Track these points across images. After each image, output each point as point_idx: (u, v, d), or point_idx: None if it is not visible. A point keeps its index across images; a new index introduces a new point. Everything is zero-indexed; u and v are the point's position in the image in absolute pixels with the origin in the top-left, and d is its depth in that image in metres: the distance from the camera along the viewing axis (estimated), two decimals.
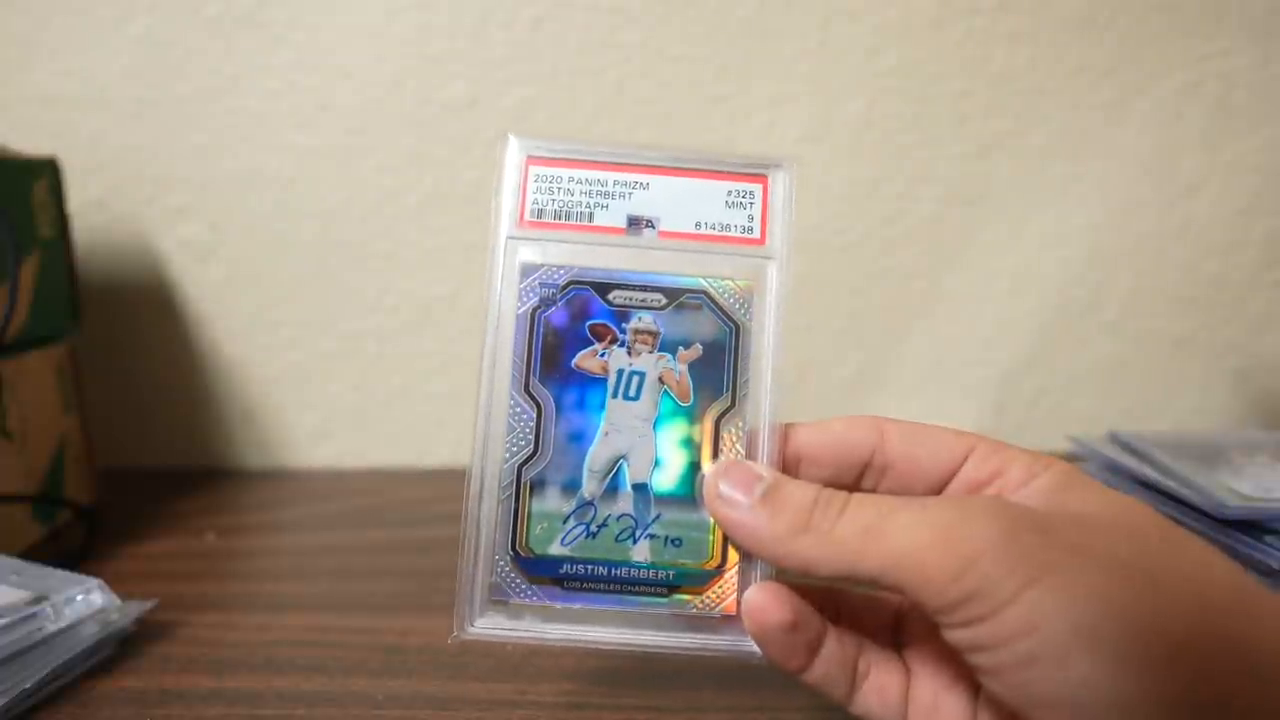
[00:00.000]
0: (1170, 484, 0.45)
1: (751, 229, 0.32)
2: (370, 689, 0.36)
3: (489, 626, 0.29)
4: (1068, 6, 0.63)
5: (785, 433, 0.30)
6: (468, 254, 0.65)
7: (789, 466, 0.29)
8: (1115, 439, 0.52)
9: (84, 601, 0.38)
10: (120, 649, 0.39)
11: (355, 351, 0.67)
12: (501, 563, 0.29)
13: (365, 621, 0.42)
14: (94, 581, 0.38)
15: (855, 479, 0.29)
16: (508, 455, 0.30)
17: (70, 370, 0.53)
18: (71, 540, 0.51)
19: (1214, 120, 0.65)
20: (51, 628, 0.36)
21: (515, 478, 0.29)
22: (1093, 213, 0.66)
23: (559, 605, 0.29)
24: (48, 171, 0.52)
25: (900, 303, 0.67)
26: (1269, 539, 0.41)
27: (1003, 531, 0.24)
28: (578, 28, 0.62)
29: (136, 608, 0.40)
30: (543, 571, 0.29)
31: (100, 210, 0.63)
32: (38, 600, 0.36)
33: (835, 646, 0.28)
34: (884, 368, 0.68)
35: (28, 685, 0.34)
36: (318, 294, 0.66)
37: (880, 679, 0.29)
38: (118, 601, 0.39)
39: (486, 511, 0.29)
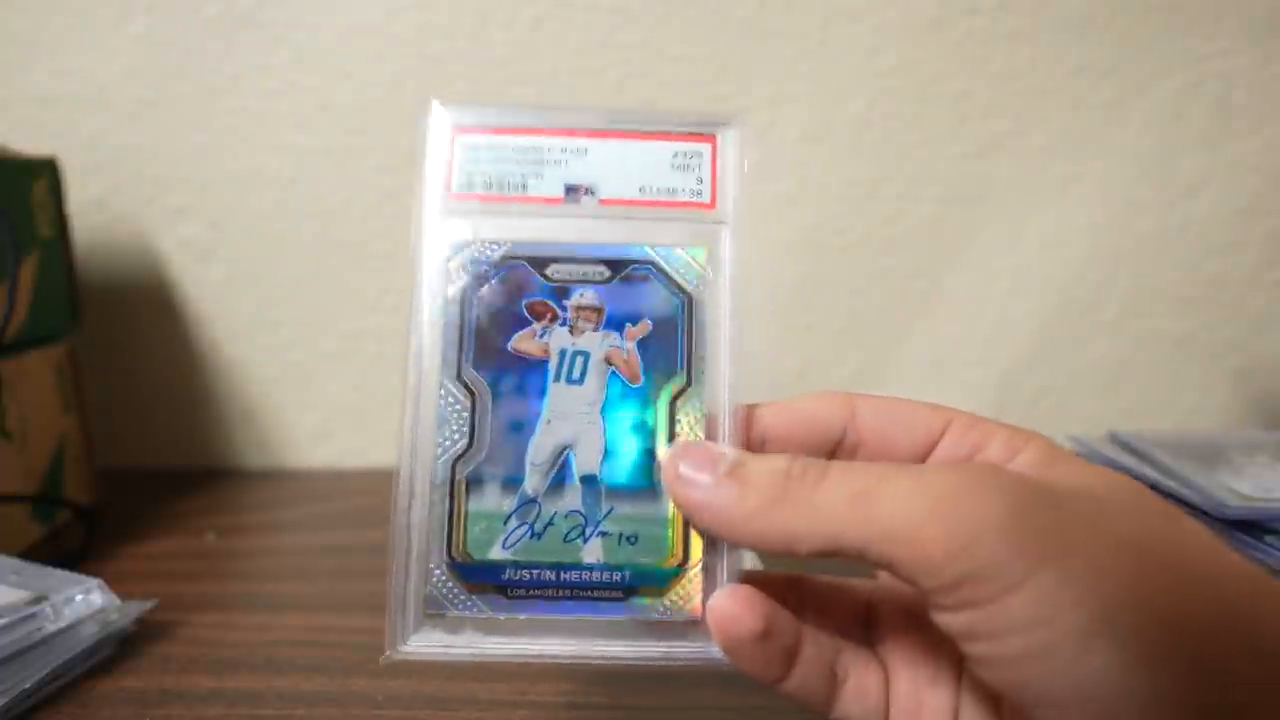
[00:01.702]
0: (1170, 484, 0.45)
1: (701, 192, 0.29)
2: (370, 689, 0.36)
3: (424, 644, 0.26)
4: (1068, 6, 0.63)
5: (749, 414, 0.27)
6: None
7: (754, 449, 0.27)
8: (1115, 439, 0.52)
9: (84, 601, 0.38)
10: (120, 649, 0.39)
11: (355, 351, 0.67)
12: (436, 571, 0.26)
13: (365, 621, 0.42)
14: (94, 581, 0.38)
15: (826, 458, 0.26)
16: (440, 450, 0.26)
17: (70, 370, 0.53)
18: (71, 540, 0.51)
19: (1214, 120, 0.65)
20: (51, 628, 0.36)
21: (449, 475, 0.26)
22: (1093, 213, 0.66)
23: (502, 616, 0.26)
24: (47, 171, 0.52)
25: (900, 303, 0.67)
26: (1269, 539, 0.41)
27: (1011, 504, 0.21)
28: (578, 28, 0.62)
29: (136, 608, 0.39)
30: (483, 579, 0.26)
31: (100, 210, 0.63)
32: (37, 600, 0.36)
33: (812, 651, 0.26)
34: (884, 368, 0.68)
35: (27, 685, 0.34)
36: (318, 294, 0.66)
37: (859, 682, 0.26)
38: (117, 601, 0.39)
39: (417, 515, 0.26)
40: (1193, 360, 0.68)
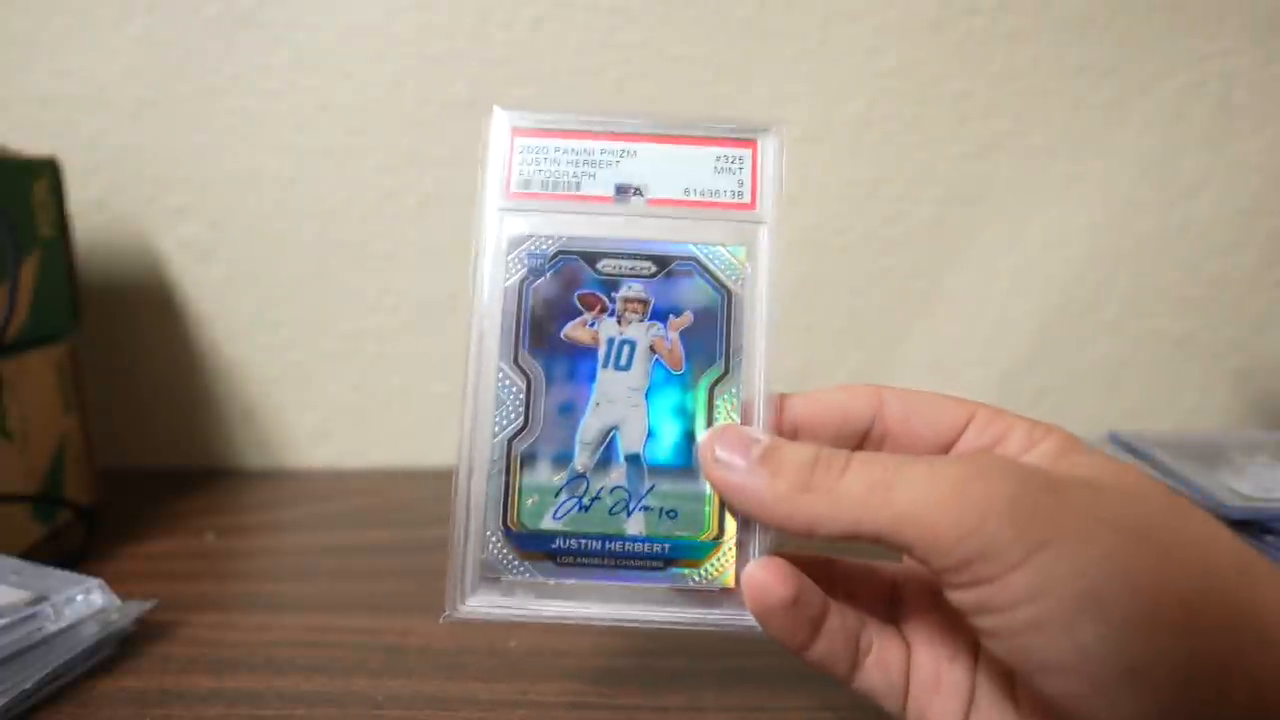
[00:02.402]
0: (1171, 484, 0.45)
1: (741, 194, 0.31)
2: (370, 689, 0.36)
3: (481, 605, 0.28)
4: (1068, 6, 0.63)
5: (781, 403, 0.29)
6: (468, 254, 0.65)
7: (785, 436, 0.28)
8: (1115, 439, 0.52)
9: (84, 601, 0.38)
10: (120, 649, 0.39)
11: (355, 351, 0.67)
12: (493, 539, 0.29)
13: (365, 621, 0.42)
14: (94, 581, 0.38)
15: (854, 449, 0.28)
16: (497, 429, 0.29)
17: (70, 370, 0.53)
18: (71, 540, 0.51)
19: (1215, 120, 0.64)
20: (51, 628, 0.36)
21: (505, 452, 0.29)
22: (1093, 213, 0.66)
23: (552, 581, 0.28)
24: (48, 171, 0.52)
25: (900, 303, 0.67)
26: (1269, 539, 0.41)
27: (1014, 491, 0.23)
28: (578, 28, 0.62)
29: (136, 608, 0.39)
30: (535, 547, 0.29)
31: (100, 210, 0.63)
32: (38, 600, 0.36)
33: (838, 622, 0.28)
34: (884, 368, 0.68)
35: (27, 685, 0.34)
36: (318, 294, 0.66)
37: (882, 654, 0.28)
38: (118, 601, 0.39)
39: (476, 487, 0.29)
40: (1193, 360, 0.68)
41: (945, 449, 0.28)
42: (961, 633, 0.28)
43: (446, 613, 0.28)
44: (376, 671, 0.38)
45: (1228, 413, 0.69)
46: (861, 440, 0.29)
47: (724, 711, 0.35)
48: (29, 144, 0.51)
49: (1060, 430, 0.27)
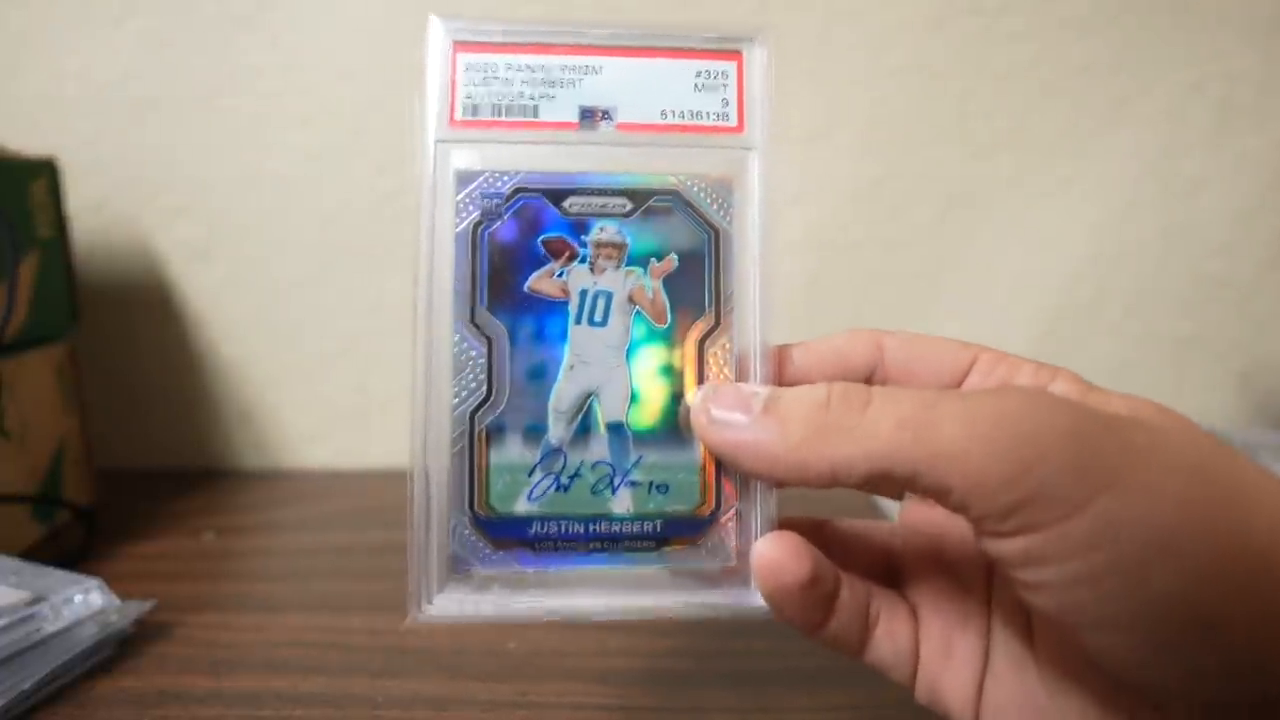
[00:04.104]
0: None
1: (727, 115, 0.26)
2: (370, 690, 0.36)
3: (451, 603, 0.25)
4: (1070, 6, 0.63)
5: (780, 355, 0.26)
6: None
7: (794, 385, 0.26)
8: None
9: (83, 602, 0.38)
10: (119, 649, 0.39)
11: (354, 351, 0.66)
12: (459, 527, 0.25)
13: (364, 622, 0.42)
14: (93, 582, 0.38)
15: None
16: (457, 401, 0.25)
17: (69, 370, 0.53)
18: (70, 541, 0.50)
19: (1217, 120, 0.64)
20: (50, 628, 0.36)
21: (468, 426, 0.25)
22: (1095, 213, 0.66)
23: (531, 571, 0.25)
24: (46, 171, 0.51)
25: (902, 303, 0.67)
26: None
27: (1069, 428, 0.20)
28: None
29: (135, 608, 0.39)
30: (508, 533, 0.25)
31: (99, 210, 0.63)
32: (36, 601, 0.36)
33: (847, 595, 0.25)
34: None
35: (26, 686, 0.34)
36: (316, 294, 0.65)
37: (890, 624, 0.26)
38: (116, 602, 0.39)
39: (436, 469, 0.25)
40: (1195, 361, 0.68)
41: None
42: (972, 594, 0.26)
43: (411, 616, 0.25)
44: (376, 672, 0.38)
45: (1230, 414, 0.69)
46: None
47: (725, 712, 0.35)
48: (28, 144, 0.51)
49: (1066, 370, 0.25)
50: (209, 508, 0.59)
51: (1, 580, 0.38)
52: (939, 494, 0.21)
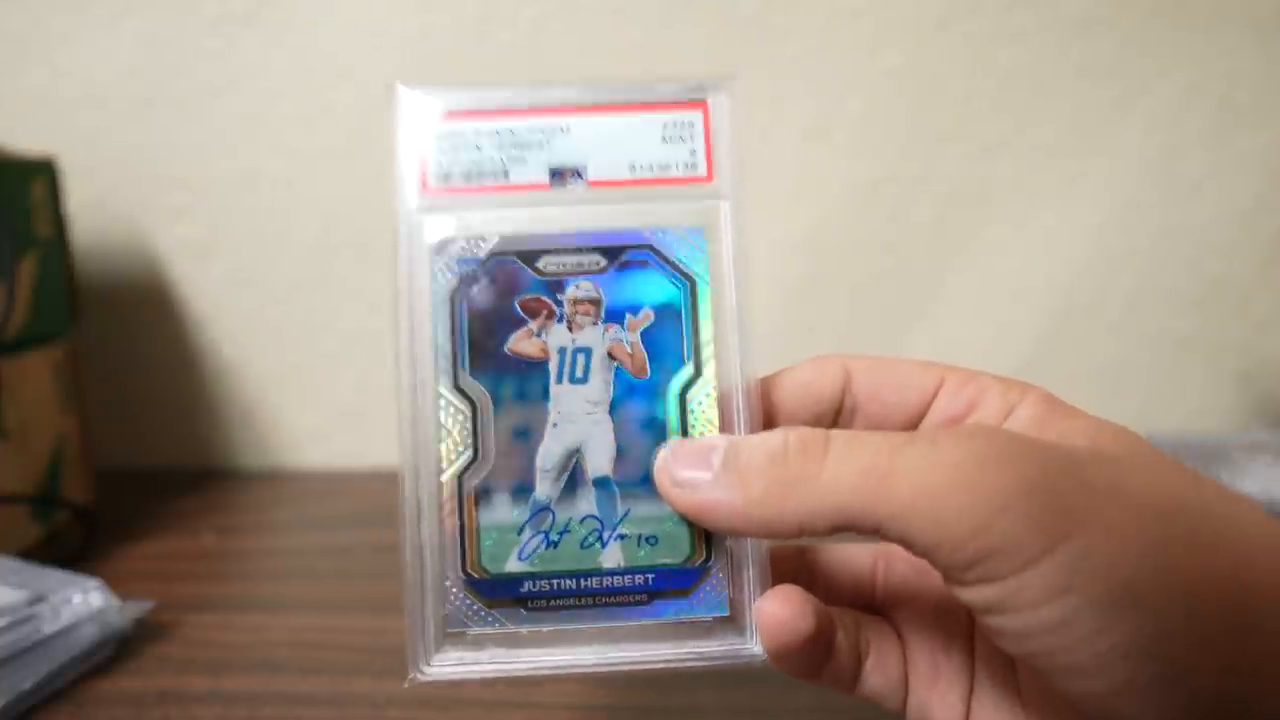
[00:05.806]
0: None
1: (695, 165, 0.27)
2: (370, 690, 0.36)
3: (448, 664, 0.25)
4: (1070, 6, 0.63)
5: (763, 388, 0.26)
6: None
7: (768, 424, 0.26)
8: None
9: (82, 602, 0.38)
10: (118, 650, 0.39)
11: (355, 352, 0.66)
12: (453, 589, 0.25)
13: (365, 622, 0.42)
14: (92, 582, 0.38)
15: (829, 427, 0.26)
16: (444, 465, 0.25)
17: (69, 370, 0.53)
18: (70, 541, 0.50)
19: (1218, 119, 0.64)
20: (50, 629, 0.36)
21: (457, 490, 0.25)
22: (1095, 213, 0.66)
23: (525, 630, 0.25)
24: (46, 171, 0.51)
25: (900, 303, 0.67)
26: None
27: (1029, 477, 0.20)
28: (579, 28, 0.62)
29: (135, 608, 0.39)
30: (502, 593, 0.25)
31: (99, 210, 0.63)
32: (36, 601, 0.36)
33: (842, 635, 0.25)
34: None
35: (26, 686, 0.34)
36: (317, 294, 0.65)
37: (879, 655, 0.26)
38: (116, 602, 0.39)
39: (428, 533, 0.25)
40: (1196, 361, 0.68)
41: (918, 418, 0.26)
42: (955, 617, 0.26)
43: (411, 676, 0.25)
44: (377, 672, 0.38)
45: (1230, 413, 0.69)
46: (835, 417, 0.27)
47: (725, 712, 0.35)
48: (28, 144, 0.51)
49: (1035, 389, 0.25)
50: (209, 508, 0.59)
51: (1, 580, 0.38)
52: (904, 544, 0.21)
